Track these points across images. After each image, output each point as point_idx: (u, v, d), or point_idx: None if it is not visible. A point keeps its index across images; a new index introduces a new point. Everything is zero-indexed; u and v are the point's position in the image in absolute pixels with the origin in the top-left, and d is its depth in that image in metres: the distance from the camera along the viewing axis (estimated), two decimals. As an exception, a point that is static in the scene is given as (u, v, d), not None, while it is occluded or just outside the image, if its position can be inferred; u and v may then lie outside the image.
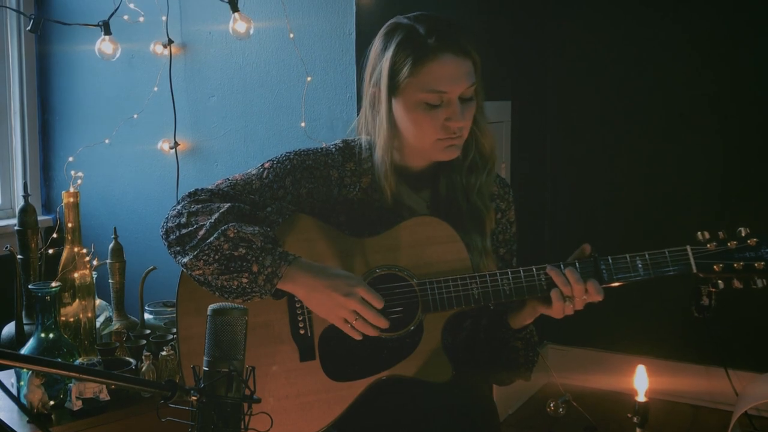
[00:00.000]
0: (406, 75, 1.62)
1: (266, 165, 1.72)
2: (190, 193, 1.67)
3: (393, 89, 1.65)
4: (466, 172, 1.75)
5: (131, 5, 2.69)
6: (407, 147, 1.71)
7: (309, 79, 2.49)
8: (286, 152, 1.73)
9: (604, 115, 3.75)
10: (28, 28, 2.62)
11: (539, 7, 3.75)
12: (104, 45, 2.62)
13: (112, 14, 2.62)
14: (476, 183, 1.74)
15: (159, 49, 2.71)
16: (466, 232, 1.72)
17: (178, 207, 1.64)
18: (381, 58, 1.67)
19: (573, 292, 1.59)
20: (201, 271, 1.56)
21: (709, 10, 3.50)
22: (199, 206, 1.62)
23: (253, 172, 1.71)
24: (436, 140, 1.66)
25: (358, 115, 1.84)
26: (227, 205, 1.61)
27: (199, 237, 1.56)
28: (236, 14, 2.48)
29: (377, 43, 1.70)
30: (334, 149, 1.76)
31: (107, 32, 2.62)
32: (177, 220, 1.60)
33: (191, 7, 2.69)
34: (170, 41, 2.69)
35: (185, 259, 1.57)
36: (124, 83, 2.87)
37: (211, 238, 1.54)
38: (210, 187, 1.68)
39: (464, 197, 1.75)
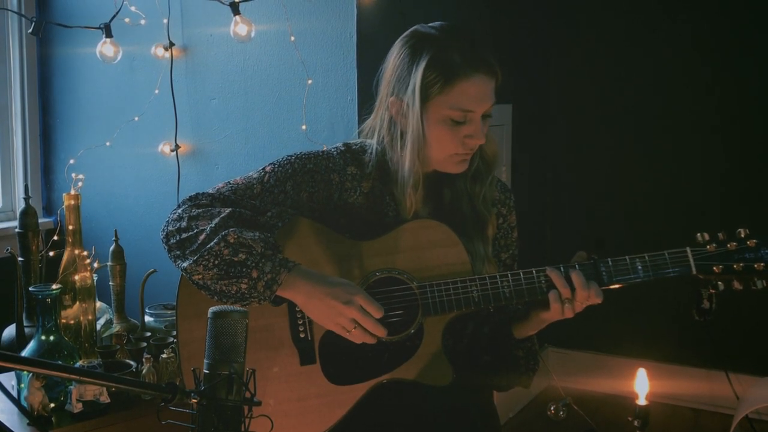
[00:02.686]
0: (437, 92, 1.61)
1: (267, 169, 1.71)
2: (191, 196, 1.67)
3: (422, 102, 1.63)
4: (470, 180, 1.75)
5: (132, 8, 2.69)
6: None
7: (310, 81, 2.49)
8: (288, 156, 1.72)
9: (605, 117, 3.75)
10: (30, 30, 2.62)
11: (540, 10, 3.75)
12: (105, 48, 2.62)
13: (114, 17, 2.61)
14: (481, 191, 1.75)
15: (160, 51, 2.72)
16: (469, 238, 1.71)
17: (179, 211, 1.63)
18: (410, 70, 1.64)
19: (576, 296, 1.59)
20: (200, 276, 1.55)
21: (710, 11, 3.50)
22: (200, 210, 1.61)
23: (255, 175, 1.71)
24: (452, 154, 1.66)
25: (359, 118, 1.83)
26: (228, 209, 1.60)
27: (199, 241, 1.55)
28: (237, 17, 2.48)
29: (402, 52, 1.67)
30: (335, 153, 1.75)
31: (108, 35, 2.62)
32: (177, 224, 1.60)
33: (192, 9, 2.70)
34: (171, 44, 2.70)
35: (185, 264, 1.56)
36: (125, 86, 2.87)
37: (212, 243, 1.54)
38: (211, 191, 1.67)
39: (468, 204, 1.75)
